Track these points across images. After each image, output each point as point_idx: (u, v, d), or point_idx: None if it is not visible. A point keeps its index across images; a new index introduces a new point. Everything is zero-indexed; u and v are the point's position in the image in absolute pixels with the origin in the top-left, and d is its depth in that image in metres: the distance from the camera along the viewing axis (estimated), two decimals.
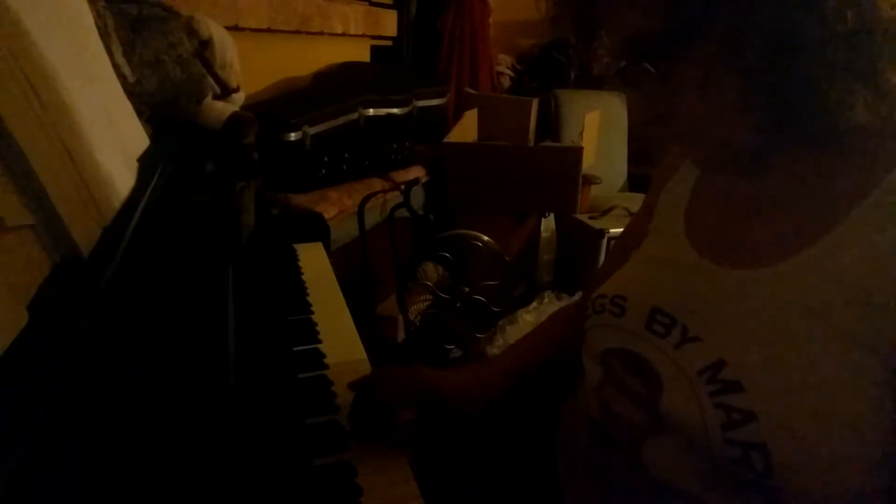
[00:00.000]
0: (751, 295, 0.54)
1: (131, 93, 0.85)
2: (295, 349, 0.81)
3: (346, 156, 1.79)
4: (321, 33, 2.06)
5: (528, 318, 2.07)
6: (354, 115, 1.81)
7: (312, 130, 1.62)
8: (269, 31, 1.76)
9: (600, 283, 0.70)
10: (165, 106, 0.98)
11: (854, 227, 0.49)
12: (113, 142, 0.68)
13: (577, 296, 2.07)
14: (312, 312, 0.90)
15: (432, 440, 0.70)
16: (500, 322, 1.99)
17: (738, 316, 0.54)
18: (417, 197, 1.94)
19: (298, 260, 1.08)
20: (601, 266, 0.79)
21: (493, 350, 1.95)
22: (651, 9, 0.49)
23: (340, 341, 0.84)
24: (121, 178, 0.66)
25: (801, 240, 0.52)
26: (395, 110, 1.98)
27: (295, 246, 1.13)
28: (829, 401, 0.47)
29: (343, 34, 2.23)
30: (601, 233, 2.17)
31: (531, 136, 2.61)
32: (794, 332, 0.50)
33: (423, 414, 0.69)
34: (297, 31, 1.91)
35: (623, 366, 0.61)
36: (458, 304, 1.71)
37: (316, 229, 1.20)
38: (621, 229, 0.83)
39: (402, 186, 1.81)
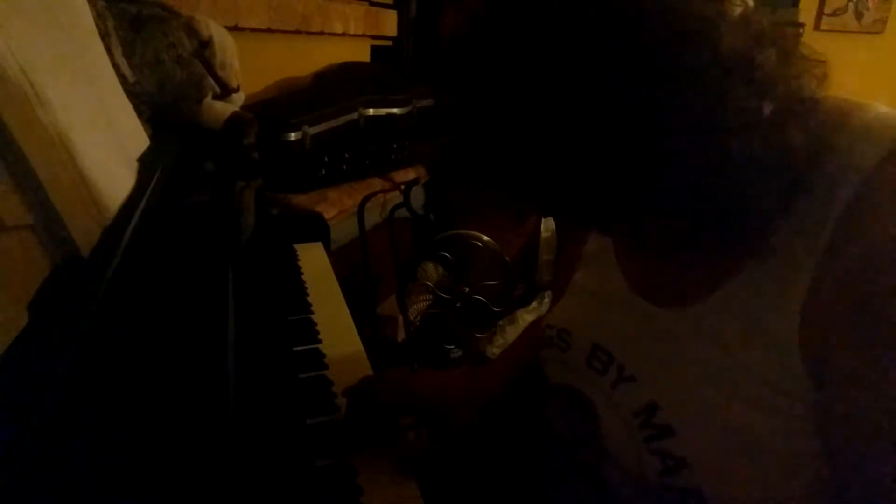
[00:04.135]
0: (676, 334, 0.53)
1: (131, 93, 0.85)
2: (295, 349, 0.81)
3: (346, 156, 1.79)
4: (321, 33, 2.06)
5: (528, 318, 2.07)
6: (354, 115, 1.81)
7: (312, 130, 1.62)
8: (269, 31, 1.75)
9: (555, 300, 0.69)
10: (165, 106, 0.98)
11: (754, 270, 0.48)
12: (113, 142, 0.68)
13: None
14: (312, 312, 0.90)
15: (437, 447, 0.70)
16: (500, 322, 1.99)
17: (668, 356, 0.53)
18: (417, 197, 1.94)
19: (298, 260, 1.08)
20: (556, 279, 0.77)
21: (493, 350, 1.95)
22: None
23: (340, 341, 0.84)
24: (121, 178, 0.66)
25: (713, 281, 0.51)
26: (395, 110, 1.98)
27: (295, 246, 1.13)
28: (757, 440, 0.47)
29: (343, 34, 2.23)
30: None
31: None
32: (715, 373, 0.49)
33: (422, 421, 0.68)
34: (297, 31, 1.91)
35: (569, 402, 0.61)
36: (458, 304, 1.71)
37: (316, 229, 1.20)
38: None
39: (402, 186, 1.81)
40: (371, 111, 1.88)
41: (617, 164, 0.43)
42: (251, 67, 1.35)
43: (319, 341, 0.83)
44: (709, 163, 0.43)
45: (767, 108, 0.43)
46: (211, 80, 1.09)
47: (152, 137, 0.85)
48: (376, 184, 1.84)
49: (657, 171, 0.44)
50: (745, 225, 0.47)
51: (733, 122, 0.42)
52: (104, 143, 0.64)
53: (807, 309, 0.45)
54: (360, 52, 2.50)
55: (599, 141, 0.43)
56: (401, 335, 1.92)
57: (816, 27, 4.06)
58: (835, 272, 0.44)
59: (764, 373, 0.46)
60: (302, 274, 1.03)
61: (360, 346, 0.83)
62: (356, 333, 0.87)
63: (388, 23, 2.67)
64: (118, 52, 0.88)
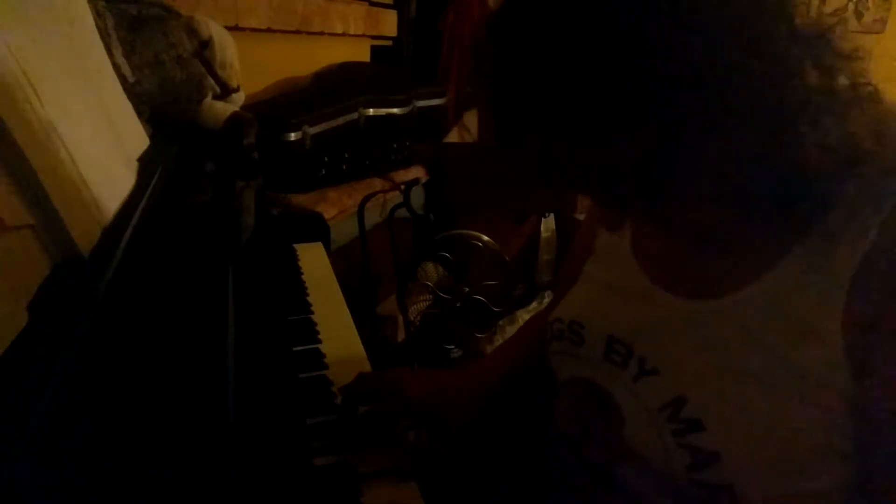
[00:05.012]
0: (703, 326, 0.52)
1: (131, 93, 0.85)
2: (295, 349, 0.81)
3: (346, 156, 1.79)
4: (321, 33, 2.06)
5: (527, 318, 2.07)
6: (354, 115, 1.81)
7: (312, 130, 1.62)
8: (269, 31, 1.75)
9: (559, 298, 0.68)
10: (165, 106, 0.98)
11: (796, 262, 0.49)
12: (113, 142, 0.68)
13: None
14: (312, 312, 0.90)
15: (436, 447, 0.70)
16: (500, 322, 1.99)
17: (694, 348, 0.52)
18: (417, 197, 1.94)
19: (298, 260, 1.08)
20: (560, 276, 0.76)
21: None
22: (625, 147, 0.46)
23: (340, 341, 0.84)
24: (121, 178, 0.66)
25: (747, 272, 0.51)
26: (395, 110, 1.98)
27: (295, 246, 1.13)
28: (792, 434, 0.46)
29: (343, 34, 2.23)
30: None
31: None
32: (747, 366, 0.49)
33: (420, 421, 0.68)
34: (297, 31, 1.91)
35: (585, 396, 0.60)
36: (458, 304, 1.71)
37: (316, 229, 1.20)
38: None
39: (402, 186, 1.81)
40: (371, 111, 1.88)
41: (688, 127, 0.43)
42: (251, 67, 1.35)
43: (319, 341, 0.83)
44: (777, 135, 0.44)
45: (843, 84, 0.44)
46: (211, 80, 1.09)
47: (152, 137, 0.85)
48: (376, 184, 1.84)
49: (727, 139, 0.44)
50: (802, 205, 0.47)
51: (804, 98, 0.43)
52: (104, 143, 0.64)
53: (851, 301, 0.45)
54: (360, 52, 2.50)
55: (669, 103, 0.42)
56: (401, 335, 1.92)
57: None
58: (880, 264, 0.44)
59: (803, 365, 0.46)
60: (302, 274, 1.03)
61: (360, 346, 0.83)
62: (356, 333, 0.87)
63: (388, 23, 2.67)
64: (118, 52, 0.88)
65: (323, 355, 0.80)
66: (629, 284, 0.60)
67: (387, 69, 2.51)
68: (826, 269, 0.47)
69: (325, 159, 1.70)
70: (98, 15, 0.82)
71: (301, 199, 1.56)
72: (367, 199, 1.70)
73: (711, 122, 0.43)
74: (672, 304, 0.56)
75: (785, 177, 0.46)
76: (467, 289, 1.70)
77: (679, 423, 0.51)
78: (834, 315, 0.45)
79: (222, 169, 1.03)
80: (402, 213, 1.79)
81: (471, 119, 2.43)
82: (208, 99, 1.09)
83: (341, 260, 1.25)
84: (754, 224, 0.51)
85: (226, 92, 1.15)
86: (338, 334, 0.86)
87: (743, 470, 0.48)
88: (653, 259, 0.60)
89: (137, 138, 0.80)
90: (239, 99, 1.20)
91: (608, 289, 0.63)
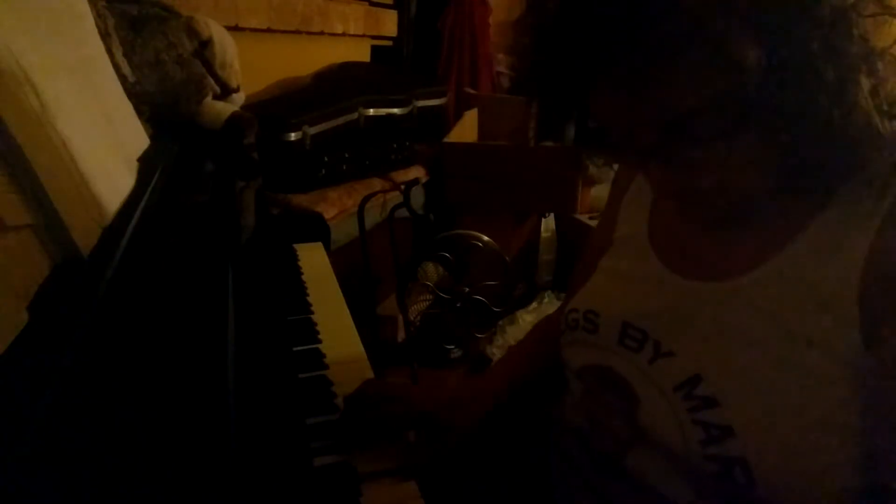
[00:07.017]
0: (719, 307, 0.53)
1: (131, 93, 0.85)
2: (295, 349, 0.81)
3: (346, 156, 1.79)
4: (321, 33, 2.06)
5: (528, 318, 2.07)
6: (354, 115, 1.81)
7: (312, 130, 1.62)
8: (269, 31, 1.76)
9: (573, 294, 0.69)
10: (165, 106, 0.98)
11: (812, 238, 0.49)
12: (113, 142, 0.68)
13: None
14: (312, 312, 0.90)
15: (435, 458, 0.70)
16: (500, 322, 1.99)
17: (709, 329, 0.53)
18: (417, 197, 1.94)
19: (298, 260, 1.08)
20: (574, 274, 0.77)
21: (493, 350, 1.95)
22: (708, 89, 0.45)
23: (340, 341, 0.84)
24: (121, 178, 0.66)
25: (762, 252, 0.52)
26: (395, 110, 1.98)
27: (295, 246, 1.13)
28: (805, 408, 0.47)
29: (343, 34, 2.23)
30: None
31: (531, 136, 2.61)
32: (762, 343, 0.50)
33: (424, 431, 0.68)
34: (297, 31, 1.91)
35: (599, 382, 0.61)
36: (458, 304, 1.71)
37: (316, 229, 1.20)
38: None
39: (402, 186, 1.81)
40: (371, 111, 1.88)
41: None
42: (251, 67, 1.35)
43: (319, 341, 0.83)
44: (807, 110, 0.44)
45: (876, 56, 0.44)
46: (211, 80, 1.09)
47: (152, 137, 0.85)
48: (376, 184, 1.84)
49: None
50: (819, 182, 0.48)
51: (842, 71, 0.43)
52: (104, 143, 0.64)
53: (866, 274, 0.46)
54: (360, 52, 2.50)
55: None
56: (401, 335, 1.92)
57: None
58: (893, 237, 0.45)
59: (819, 340, 0.47)
60: (302, 274, 1.03)
61: (360, 346, 0.83)
62: (356, 333, 0.87)
63: (388, 23, 2.68)
64: (118, 52, 0.88)
65: (323, 355, 0.80)
66: (645, 272, 0.61)
67: (387, 69, 2.51)
68: (842, 245, 0.47)
69: (325, 159, 1.70)
70: (98, 15, 0.82)
71: (301, 199, 1.56)
72: (367, 199, 1.70)
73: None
74: (687, 287, 0.57)
75: (806, 151, 0.46)
76: (467, 289, 1.70)
77: (693, 401, 0.52)
78: (850, 293, 0.46)
79: (222, 169, 1.03)
80: (402, 213, 1.78)
81: (471, 119, 2.43)
82: (208, 99, 1.09)
83: (341, 260, 1.25)
84: (770, 198, 0.51)
85: (226, 92, 1.15)
86: (338, 334, 0.86)
87: (756, 443, 0.48)
88: (668, 245, 0.61)
89: (137, 138, 0.80)
90: (239, 99, 1.20)
91: (623, 278, 0.64)
